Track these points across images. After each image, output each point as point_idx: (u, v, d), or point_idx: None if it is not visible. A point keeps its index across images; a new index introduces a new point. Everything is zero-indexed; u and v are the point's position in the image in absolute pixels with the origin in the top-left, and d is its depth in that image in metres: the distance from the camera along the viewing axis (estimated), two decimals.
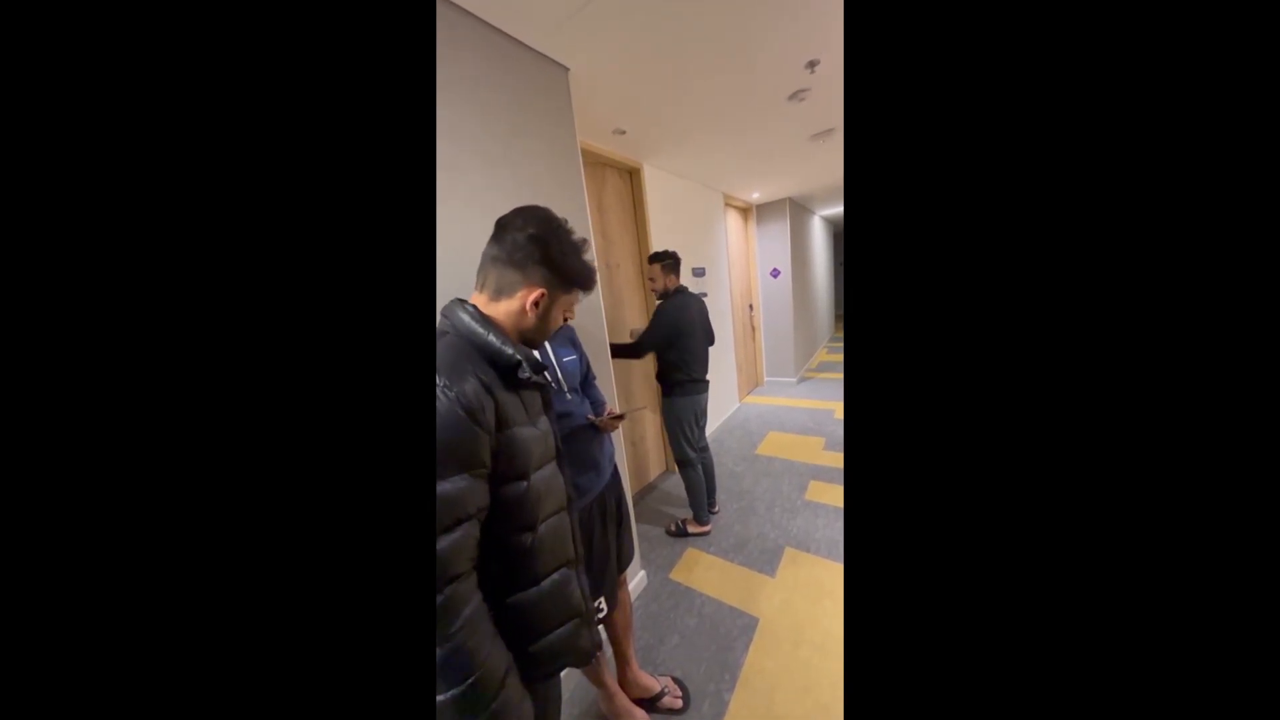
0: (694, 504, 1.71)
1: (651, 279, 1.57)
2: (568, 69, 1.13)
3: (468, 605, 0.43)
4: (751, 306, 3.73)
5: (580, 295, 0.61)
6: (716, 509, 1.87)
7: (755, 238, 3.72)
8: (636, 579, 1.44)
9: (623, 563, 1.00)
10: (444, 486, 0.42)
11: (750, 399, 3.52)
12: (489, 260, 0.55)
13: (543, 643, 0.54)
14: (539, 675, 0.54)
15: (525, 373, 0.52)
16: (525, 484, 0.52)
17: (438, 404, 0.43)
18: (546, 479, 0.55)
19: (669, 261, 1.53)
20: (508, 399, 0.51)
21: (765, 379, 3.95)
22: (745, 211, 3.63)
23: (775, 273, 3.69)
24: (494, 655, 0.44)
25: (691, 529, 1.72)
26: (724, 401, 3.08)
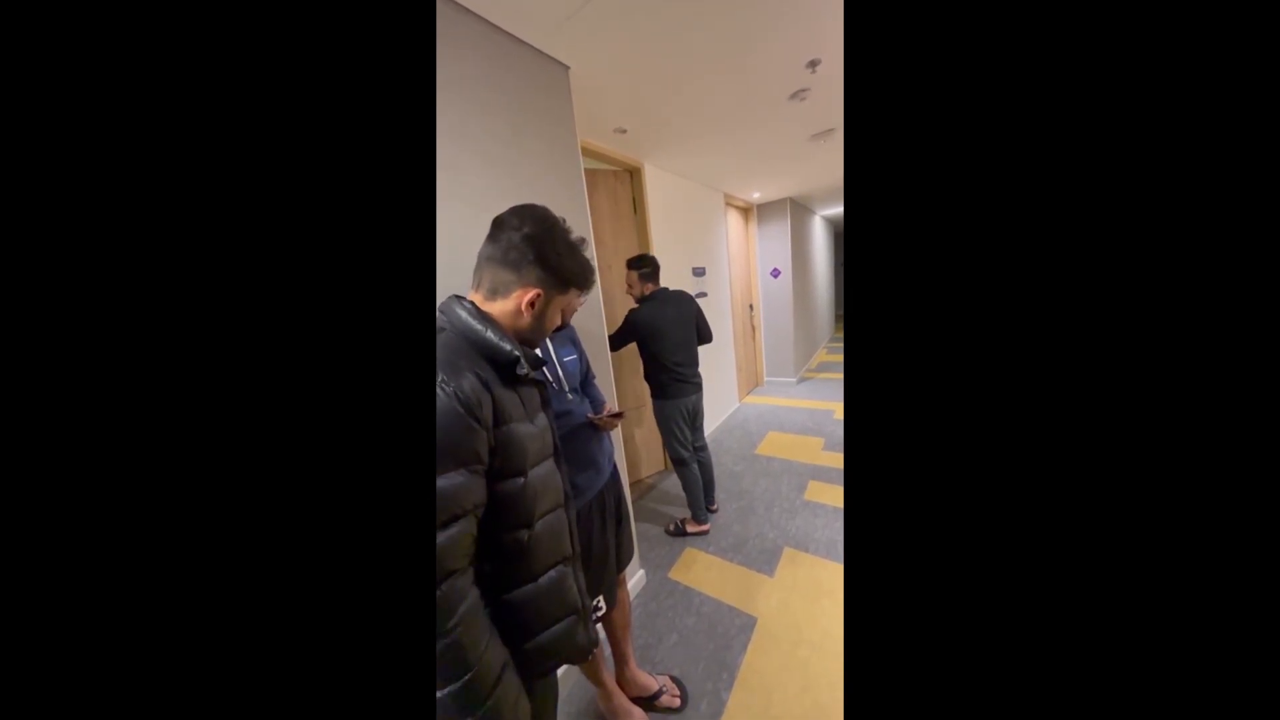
0: (691, 503, 1.72)
1: (629, 284, 1.58)
2: (568, 67, 1.13)
3: (464, 601, 0.43)
4: (751, 306, 3.72)
5: (578, 295, 0.60)
6: (715, 507, 1.87)
7: (756, 237, 3.72)
8: (635, 578, 1.44)
9: (622, 561, 0.99)
10: (440, 482, 0.42)
11: (750, 399, 3.52)
12: (484, 260, 0.55)
13: (539, 639, 0.54)
14: (536, 672, 0.54)
15: (523, 369, 0.52)
16: (522, 480, 0.52)
17: (439, 401, 0.43)
18: (543, 476, 0.55)
19: (646, 270, 1.53)
20: (505, 395, 0.50)
21: (765, 379, 3.95)
22: (746, 211, 3.62)
23: (775, 273, 3.69)
24: (490, 651, 0.44)
25: (690, 528, 1.73)
26: (723, 401, 3.08)
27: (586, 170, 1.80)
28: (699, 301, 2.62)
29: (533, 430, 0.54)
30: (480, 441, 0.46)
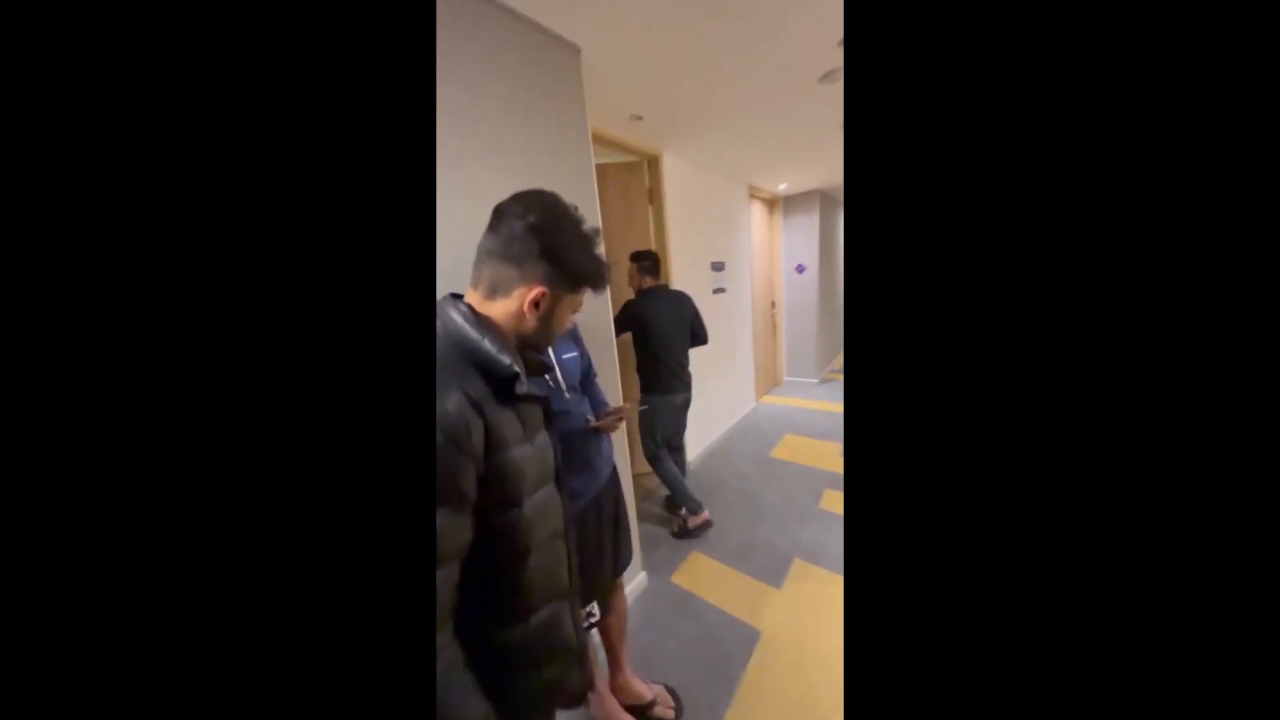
0: (680, 498, 1.69)
1: (629, 277, 1.60)
2: (580, 49, 1.07)
3: (441, 659, 0.39)
4: (773, 303, 3.59)
5: (589, 294, 0.53)
6: (684, 511, 1.83)
7: (781, 231, 3.57)
8: (637, 579, 1.42)
9: (619, 567, 0.96)
10: None
11: (767, 399, 3.41)
12: (484, 253, 0.48)
13: (529, 684, 0.50)
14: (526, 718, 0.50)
15: (523, 387, 0.46)
16: (517, 511, 0.46)
17: None
18: (541, 503, 0.49)
19: (646, 263, 1.57)
20: (501, 416, 0.44)
21: (785, 379, 3.82)
22: (771, 203, 3.48)
23: (800, 268, 3.54)
24: (470, 711, 0.40)
25: (692, 523, 1.69)
26: (739, 400, 3.00)
27: (596, 165, 1.76)
28: (716, 298, 2.55)
29: (531, 453, 0.48)
30: (466, 476, 0.40)
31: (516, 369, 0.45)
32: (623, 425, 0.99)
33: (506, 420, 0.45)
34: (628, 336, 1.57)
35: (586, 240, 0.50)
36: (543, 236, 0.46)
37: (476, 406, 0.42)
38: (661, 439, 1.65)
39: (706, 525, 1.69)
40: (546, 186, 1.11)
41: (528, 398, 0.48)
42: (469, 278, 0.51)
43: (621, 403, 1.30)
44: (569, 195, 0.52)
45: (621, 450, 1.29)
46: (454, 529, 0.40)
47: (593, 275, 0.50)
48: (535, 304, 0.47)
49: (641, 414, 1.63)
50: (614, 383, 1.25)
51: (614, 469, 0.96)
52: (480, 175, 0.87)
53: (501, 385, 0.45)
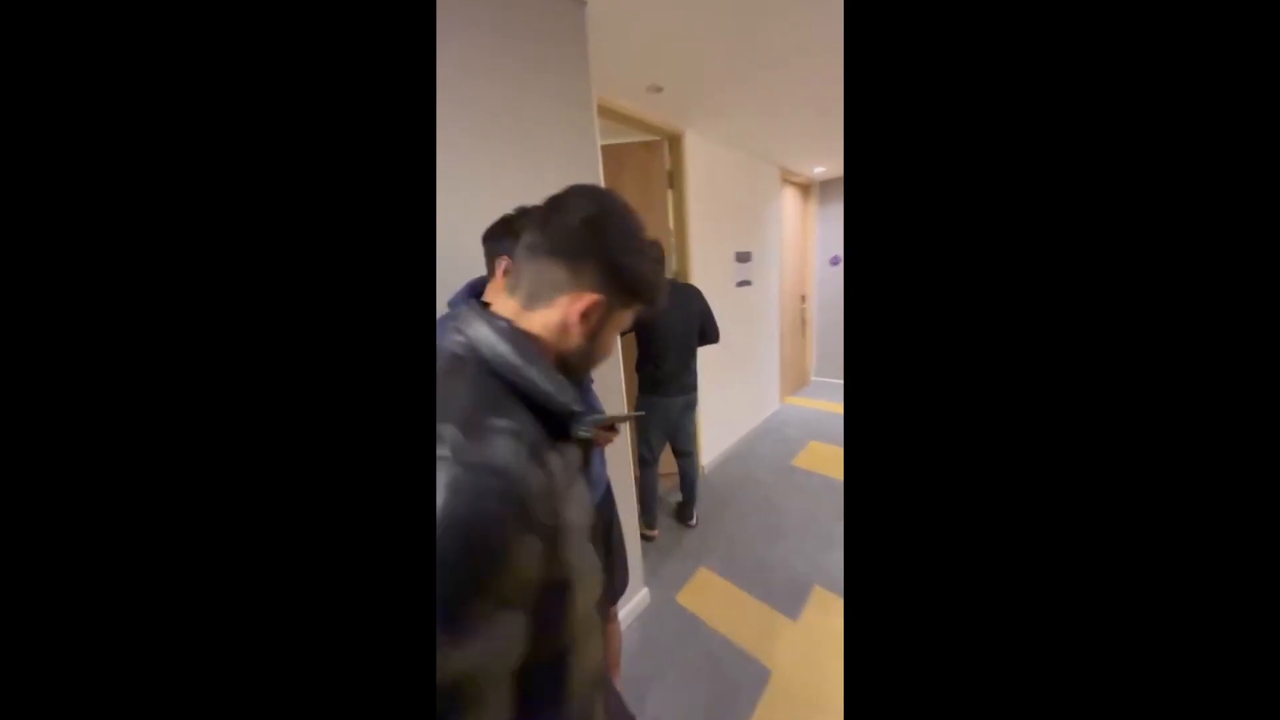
0: (642, 504, 1.62)
1: None
2: (584, 3, 0.93)
3: None
4: (804, 297, 3.36)
5: (640, 311, 0.43)
6: (694, 523, 1.75)
7: (816, 219, 3.31)
8: (639, 595, 1.32)
9: (612, 594, 0.87)
10: (468, 651, 0.25)
11: (792, 400, 3.21)
12: (525, 251, 0.39)
13: None
14: None
15: (584, 429, 0.36)
16: (564, 588, 0.34)
17: (454, 488, 0.26)
18: (583, 571, 0.37)
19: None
20: (556, 464, 0.35)
21: (812, 379, 3.59)
22: (805, 188, 3.22)
23: (835, 260, 3.28)
24: None
25: (643, 530, 1.63)
26: (761, 401, 2.82)
27: (610, 146, 1.62)
28: (740, 291, 2.38)
29: (572, 507, 0.37)
30: (530, 555, 0.29)
31: (576, 407, 0.35)
32: (623, 434, 0.88)
33: (556, 468, 0.35)
34: (631, 334, 1.48)
35: (645, 249, 0.40)
36: (601, 234, 0.37)
37: (536, 455, 0.31)
38: (652, 444, 1.58)
39: (648, 539, 1.66)
40: (543, 170, 0.96)
41: (577, 439, 0.38)
42: (453, 280, 0.40)
43: (626, 408, 1.18)
44: (569, 181, 0.43)
45: (622, 462, 1.18)
46: (513, 637, 0.28)
47: (652, 289, 0.40)
48: (584, 315, 0.37)
49: (638, 416, 1.57)
50: (618, 389, 1.14)
51: (608, 488, 0.86)
52: (463, 161, 0.76)
53: (550, 424, 0.35)
